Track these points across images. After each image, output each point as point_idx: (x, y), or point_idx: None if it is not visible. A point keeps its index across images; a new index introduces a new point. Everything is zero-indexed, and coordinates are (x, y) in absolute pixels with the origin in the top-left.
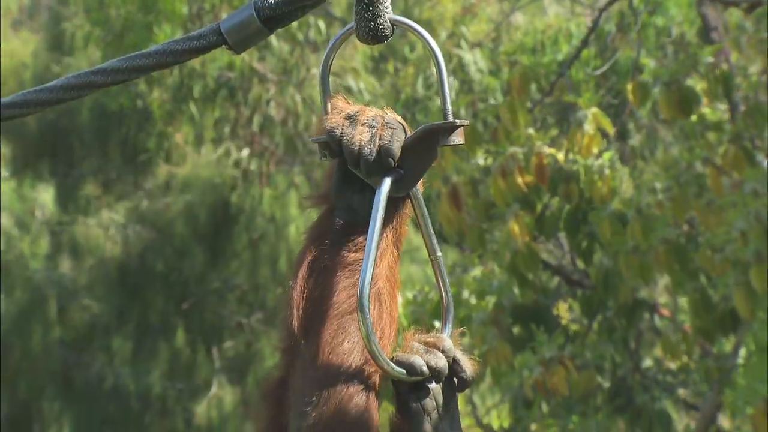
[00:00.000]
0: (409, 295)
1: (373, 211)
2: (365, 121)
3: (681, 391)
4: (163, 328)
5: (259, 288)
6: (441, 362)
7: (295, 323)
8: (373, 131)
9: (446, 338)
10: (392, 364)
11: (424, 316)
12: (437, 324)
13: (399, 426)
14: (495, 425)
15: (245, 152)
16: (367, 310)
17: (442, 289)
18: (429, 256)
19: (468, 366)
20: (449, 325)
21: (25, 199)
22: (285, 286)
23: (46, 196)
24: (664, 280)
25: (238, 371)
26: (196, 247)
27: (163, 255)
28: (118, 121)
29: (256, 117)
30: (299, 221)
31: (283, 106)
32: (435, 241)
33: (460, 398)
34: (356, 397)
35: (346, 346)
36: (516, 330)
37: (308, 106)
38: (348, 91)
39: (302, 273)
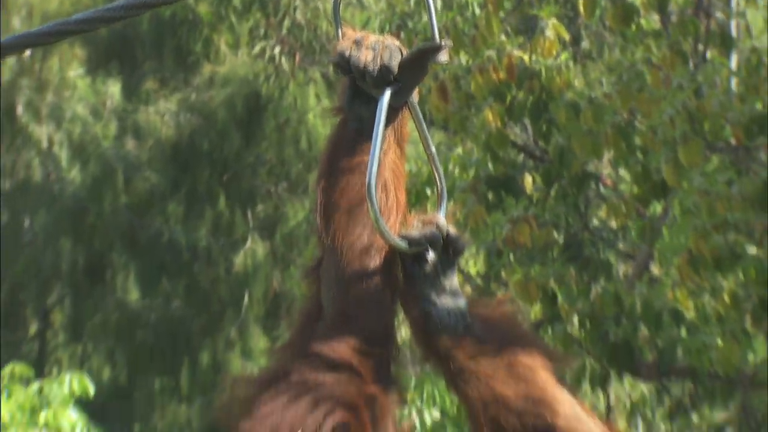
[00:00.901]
0: (406, 168)
1: (376, 116)
2: (369, 45)
3: (621, 245)
4: (207, 195)
5: (284, 162)
6: (435, 234)
7: (318, 216)
8: (375, 52)
9: (441, 216)
10: (396, 238)
11: (419, 186)
12: (429, 192)
13: (406, 293)
14: (472, 272)
15: (276, 50)
16: (374, 197)
17: (437, 176)
18: (425, 150)
19: (459, 235)
20: (443, 207)
21: (98, 92)
22: (306, 162)
23: (114, 89)
24: (608, 156)
25: (267, 229)
26: (233, 131)
27: (208, 137)
28: (172, 29)
29: (285, 21)
30: (316, 110)
31: (306, 13)
32: (430, 140)
33: None
34: (369, 266)
35: (358, 230)
36: (490, 196)
37: (324, 16)
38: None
39: (323, 174)
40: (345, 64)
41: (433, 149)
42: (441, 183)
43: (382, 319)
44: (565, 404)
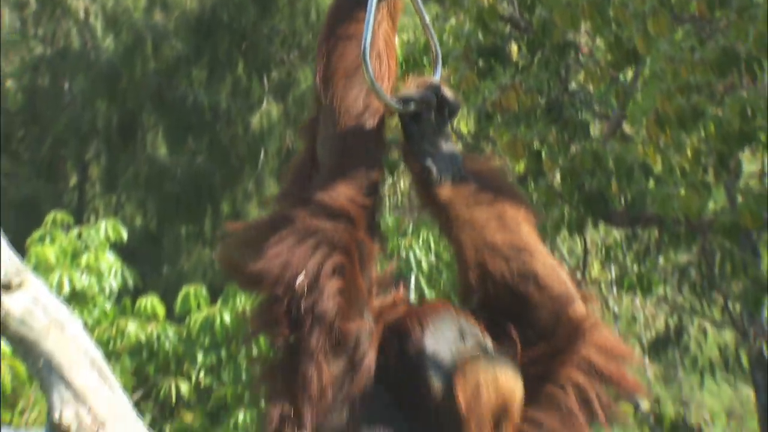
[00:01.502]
0: (405, 38)
1: None
2: None
3: (597, 107)
4: (227, 62)
5: (296, 33)
6: (429, 93)
7: (318, 79)
8: None
9: (435, 78)
10: (391, 99)
11: (416, 54)
12: (425, 60)
13: (407, 150)
14: (464, 131)
15: None
16: (369, 62)
17: (432, 43)
18: (420, 22)
19: (452, 95)
20: (438, 70)
21: None
22: (315, 32)
23: None
24: (585, 27)
25: (281, 93)
26: (250, 4)
27: (228, 9)
28: None
29: None
30: None
31: None
32: (424, 10)
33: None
34: (363, 126)
35: (354, 92)
36: (480, 63)
37: None
38: None
39: (323, 41)
40: None
41: (428, 19)
42: (436, 49)
43: (372, 173)
44: (543, 254)
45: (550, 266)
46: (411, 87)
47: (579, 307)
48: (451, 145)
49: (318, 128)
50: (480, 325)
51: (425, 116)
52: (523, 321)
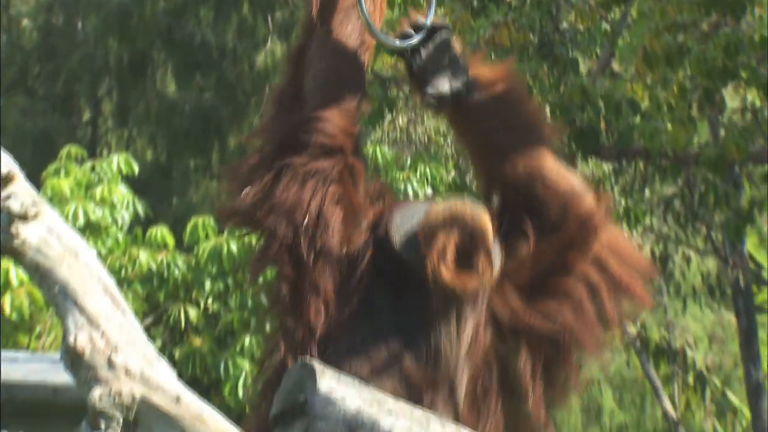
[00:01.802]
0: None
1: None
2: None
3: (587, 47)
4: (234, 2)
5: None
6: (420, 23)
7: (315, 12)
8: None
9: (428, 17)
10: (385, 36)
11: None
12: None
13: (413, 84)
14: None
15: None
16: (363, 4)
17: None
18: None
19: (441, 22)
20: (432, 11)
21: None
22: None
23: None
24: None
25: (285, 32)
26: None
27: None
28: None
29: None
30: None
31: None
32: None
33: None
34: (357, 60)
35: (348, 28)
36: (475, 3)
37: None
38: None
39: None
40: None
41: None
42: None
43: (362, 102)
44: (551, 158)
45: (556, 167)
46: (406, 25)
47: (588, 203)
48: (457, 65)
49: (307, 59)
50: (496, 224)
51: (423, 48)
52: (536, 219)
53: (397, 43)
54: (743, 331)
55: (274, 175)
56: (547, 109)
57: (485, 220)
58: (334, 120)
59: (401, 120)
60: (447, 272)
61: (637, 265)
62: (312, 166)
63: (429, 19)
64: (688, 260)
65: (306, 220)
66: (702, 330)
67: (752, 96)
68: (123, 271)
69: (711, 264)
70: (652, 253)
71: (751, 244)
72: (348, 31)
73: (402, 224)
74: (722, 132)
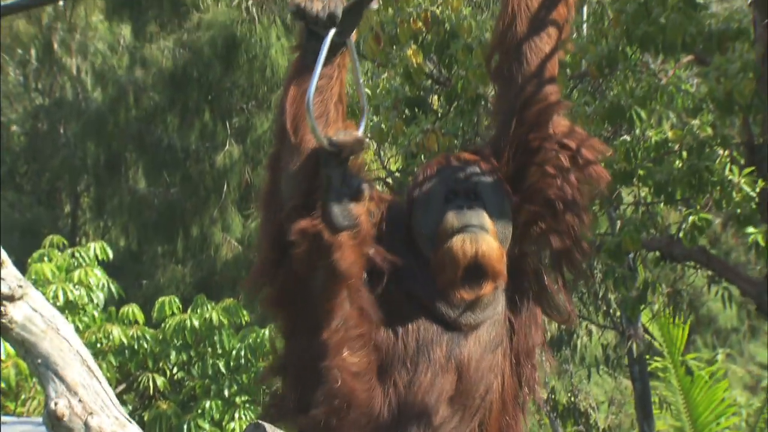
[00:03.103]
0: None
1: (321, 47)
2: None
3: None
4: (196, 110)
5: (253, 86)
6: (351, 138)
7: (288, 123)
8: (324, 3)
9: (360, 129)
10: (325, 139)
11: (352, 104)
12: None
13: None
14: (393, 168)
15: (250, 3)
16: (311, 108)
17: (362, 98)
18: (353, 77)
19: (358, 140)
20: (364, 121)
21: (114, 33)
22: (269, 86)
23: (126, 31)
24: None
25: (241, 136)
26: (216, 62)
27: (197, 67)
28: None
29: None
30: (277, 46)
31: None
32: (359, 70)
33: (371, 153)
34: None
35: (308, 136)
36: (407, 112)
37: None
38: None
39: (291, 94)
40: (301, 13)
41: (361, 78)
42: (364, 103)
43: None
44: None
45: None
46: (338, 133)
47: (555, 93)
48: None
49: (281, 164)
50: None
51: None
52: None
53: (330, 147)
54: (638, 395)
55: (279, 267)
56: None
57: (493, 254)
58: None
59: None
60: (455, 290)
61: (593, 145)
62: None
63: (361, 128)
64: (590, 334)
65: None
66: (603, 394)
67: (644, 192)
68: (98, 345)
69: (610, 337)
70: (560, 327)
71: (644, 319)
72: (308, 136)
73: (424, 224)
74: (618, 224)
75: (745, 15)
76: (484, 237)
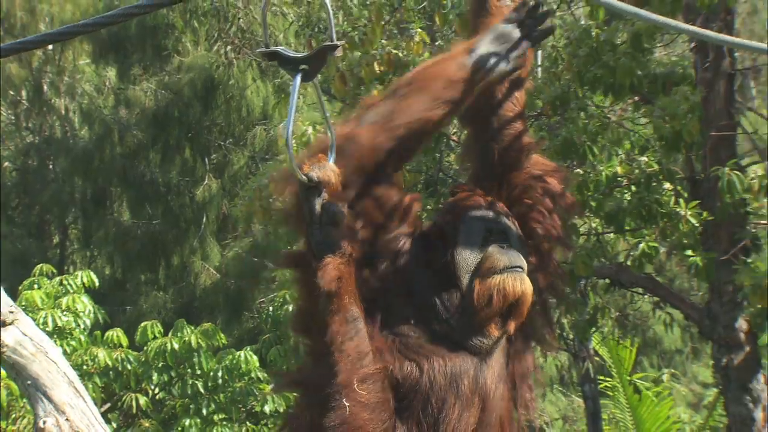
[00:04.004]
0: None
1: (291, 90)
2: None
3: (463, 181)
4: (177, 147)
5: (230, 125)
6: (325, 171)
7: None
8: (317, 172)
9: (330, 161)
10: (303, 175)
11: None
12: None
13: (297, 215)
14: None
15: (228, 48)
16: (290, 144)
17: (329, 133)
18: (322, 114)
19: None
20: (333, 155)
21: (100, 75)
22: (245, 125)
23: (111, 73)
24: (455, 121)
25: (219, 171)
26: (195, 102)
27: (178, 107)
28: (152, 31)
29: (232, 28)
30: (252, 87)
31: (246, 21)
32: (325, 109)
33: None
34: None
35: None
36: None
37: (257, 23)
38: (281, 13)
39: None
40: (273, 57)
41: (328, 114)
42: (332, 137)
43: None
44: None
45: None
46: (313, 167)
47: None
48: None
49: None
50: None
51: (322, 191)
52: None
53: (306, 180)
54: (590, 413)
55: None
56: None
57: (528, 294)
58: None
59: None
60: (489, 324)
61: (560, 174)
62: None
63: (330, 159)
64: (545, 355)
65: None
66: (557, 412)
67: (595, 223)
68: (84, 367)
69: (564, 358)
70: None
71: (595, 342)
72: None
73: (463, 257)
74: (571, 253)
75: (688, 61)
76: (525, 279)
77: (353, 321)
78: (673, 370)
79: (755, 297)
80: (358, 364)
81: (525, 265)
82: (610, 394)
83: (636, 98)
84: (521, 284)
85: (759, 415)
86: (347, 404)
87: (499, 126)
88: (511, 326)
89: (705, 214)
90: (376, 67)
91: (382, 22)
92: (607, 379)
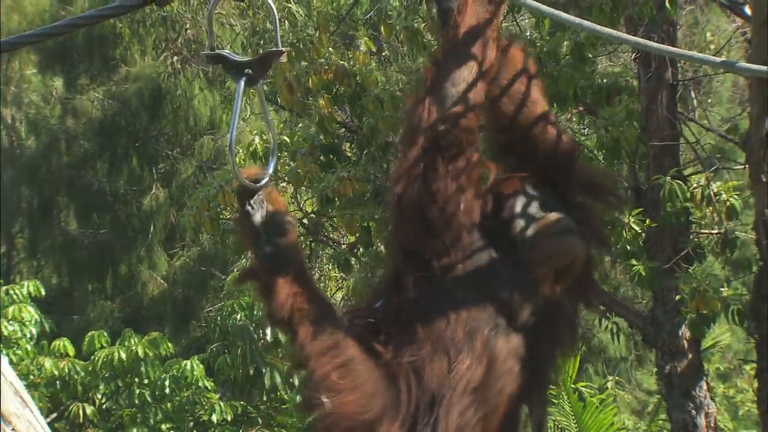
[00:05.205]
0: (257, 139)
1: (236, 95)
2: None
3: None
4: (124, 156)
5: (177, 134)
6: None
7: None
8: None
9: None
10: (242, 179)
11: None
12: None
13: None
14: (309, 210)
15: (175, 58)
16: (233, 150)
17: (271, 138)
18: (265, 118)
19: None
20: (273, 161)
21: (47, 85)
22: (192, 134)
23: (58, 83)
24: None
25: (166, 180)
26: (143, 112)
27: (125, 116)
28: (99, 41)
29: (179, 38)
30: (200, 97)
31: (193, 31)
32: (268, 113)
33: (288, 196)
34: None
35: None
36: (322, 159)
37: (205, 33)
38: (227, 23)
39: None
40: (217, 60)
41: (270, 117)
42: (273, 143)
43: None
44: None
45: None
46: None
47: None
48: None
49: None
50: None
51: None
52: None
53: (249, 185)
54: (535, 421)
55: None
56: (382, 245)
57: (582, 254)
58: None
59: None
60: (545, 285)
61: (610, 175)
62: None
63: (270, 168)
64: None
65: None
66: None
67: None
68: (31, 376)
69: None
70: None
71: None
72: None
73: (522, 221)
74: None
75: (631, 72)
76: (581, 243)
77: (316, 320)
78: (617, 378)
79: (693, 302)
80: (329, 356)
81: (577, 229)
82: (555, 401)
83: (581, 108)
84: (578, 246)
85: (701, 421)
86: (326, 399)
87: (537, 153)
88: (558, 288)
89: (648, 221)
90: (324, 77)
91: (328, 33)
92: (552, 387)
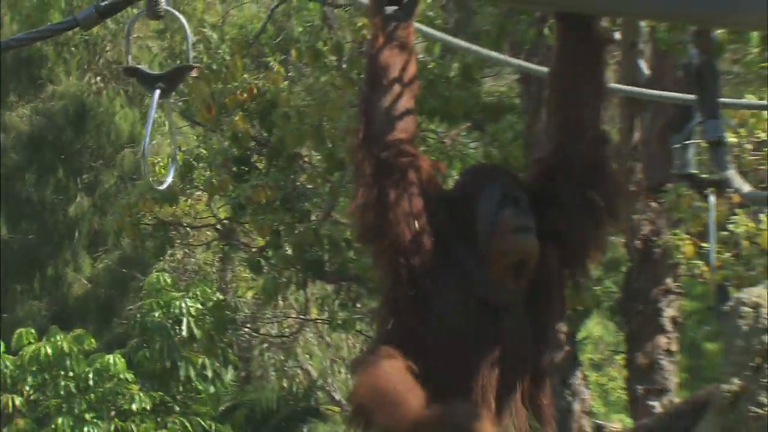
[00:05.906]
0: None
1: (150, 106)
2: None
3: (315, 199)
4: (51, 168)
5: (100, 147)
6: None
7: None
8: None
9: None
10: (152, 182)
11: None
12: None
13: None
14: (222, 216)
15: (98, 78)
16: (146, 156)
17: (174, 148)
18: (169, 128)
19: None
20: (173, 168)
21: None
22: (114, 148)
23: None
24: (308, 144)
25: (90, 190)
26: (68, 127)
27: (52, 130)
28: (27, 62)
29: (101, 60)
30: (121, 113)
31: (114, 53)
32: (172, 123)
33: (203, 203)
34: None
35: None
36: (235, 169)
37: (124, 56)
38: (145, 45)
39: None
40: (133, 73)
41: (173, 130)
42: (174, 152)
43: None
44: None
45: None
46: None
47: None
48: None
49: None
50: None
51: None
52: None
53: (157, 187)
54: None
55: None
56: (289, 247)
57: (536, 253)
58: None
59: (179, 254)
60: (503, 277)
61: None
62: None
63: (170, 175)
64: None
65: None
66: None
67: None
68: None
69: None
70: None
71: None
72: None
73: (485, 208)
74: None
75: (515, 92)
76: (534, 240)
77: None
78: None
79: (569, 300)
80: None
81: (534, 228)
82: None
83: (469, 124)
84: (530, 244)
85: (576, 407)
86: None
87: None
88: (522, 281)
89: None
90: (239, 96)
91: (242, 57)
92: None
